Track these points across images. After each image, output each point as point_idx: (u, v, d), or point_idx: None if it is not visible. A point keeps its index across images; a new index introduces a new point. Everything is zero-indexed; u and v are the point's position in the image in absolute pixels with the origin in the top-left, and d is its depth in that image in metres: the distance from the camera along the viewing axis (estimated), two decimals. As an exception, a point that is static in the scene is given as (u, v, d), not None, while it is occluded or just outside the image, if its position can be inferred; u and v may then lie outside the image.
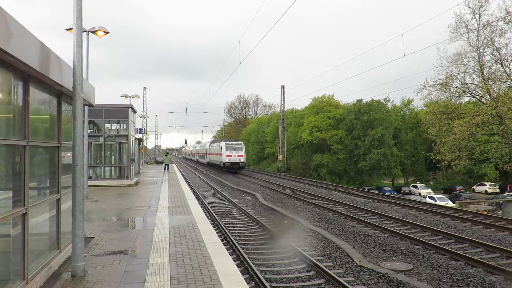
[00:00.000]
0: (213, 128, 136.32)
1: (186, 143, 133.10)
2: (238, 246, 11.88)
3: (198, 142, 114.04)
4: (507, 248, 12.48)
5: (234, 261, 8.69)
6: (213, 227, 12.50)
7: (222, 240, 11.08)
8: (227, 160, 49.61)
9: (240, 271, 7.17)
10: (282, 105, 63.69)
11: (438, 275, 10.32)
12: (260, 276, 9.25)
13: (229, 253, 8.66)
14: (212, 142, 65.89)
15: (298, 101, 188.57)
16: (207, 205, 20.38)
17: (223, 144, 51.31)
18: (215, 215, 17.35)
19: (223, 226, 15.00)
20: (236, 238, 13.58)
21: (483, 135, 39.83)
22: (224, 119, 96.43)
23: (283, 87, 63.38)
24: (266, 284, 8.79)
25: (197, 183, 35.91)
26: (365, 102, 57.79)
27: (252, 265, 10.03)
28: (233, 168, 50.28)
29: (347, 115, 58.43)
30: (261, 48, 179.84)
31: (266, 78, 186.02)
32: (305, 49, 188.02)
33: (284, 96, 63.26)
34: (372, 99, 57.76)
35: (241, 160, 50.74)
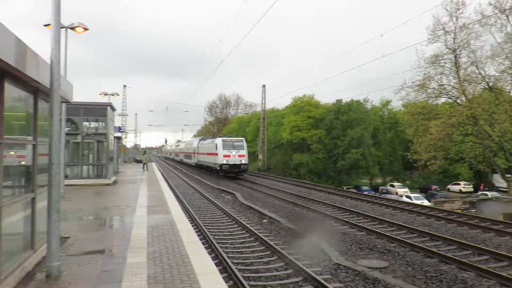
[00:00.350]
0: (193, 127, 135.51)
1: (166, 142, 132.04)
2: (216, 245, 11.89)
3: (179, 141, 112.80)
4: (479, 246, 12.87)
5: (213, 260, 8.71)
6: (192, 226, 12.47)
7: (201, 239, 11.08)
8: (224, 162, 38.50)
9: (218, 270, 7.20)
10: (263, 104, 63.78)
11: (412, 272, 10.56)
12: (238, 274, 9.29)
13: (207, 252, 8.67)
14: (202, 138, 54.48)
15: (280, 100, 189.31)
16: (186, 204, 20.28)
17: (219, 141, 40.18)
18: (194, 214, 17.30)
19: (202, 225, 14.97)
20: (215, 237, 13.58)
21: (458, 135, 40.84)
22: (205, 118, 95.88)
23: (264, 86, 63.50)
24: (244, 282, 8.82)
25: (176, 182, 35.65)
26: (344, 102, 58.65)
27: (231, 264, 10.06)
28: (232, 172, 38.97)
29: (327, 115, 59.13)
30: (244, 47, 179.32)
31: (247, 77, 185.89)
32: (288, 48, 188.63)
33: (265, 95, 63.34)
34: (352, 99, 58.73)
35: (243, 162, 39.39)
